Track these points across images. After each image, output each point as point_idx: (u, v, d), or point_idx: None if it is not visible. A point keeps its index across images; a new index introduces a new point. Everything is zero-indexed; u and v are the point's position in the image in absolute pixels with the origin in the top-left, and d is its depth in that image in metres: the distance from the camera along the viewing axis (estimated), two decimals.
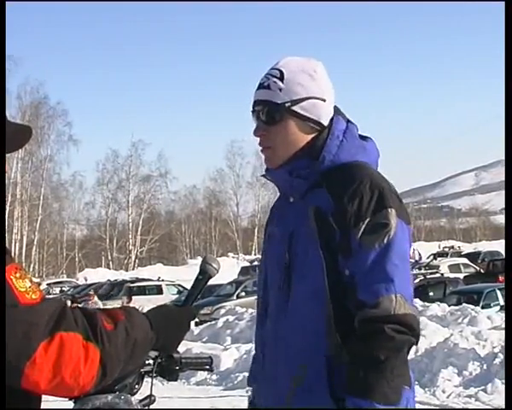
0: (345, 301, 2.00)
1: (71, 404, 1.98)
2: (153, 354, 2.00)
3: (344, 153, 2.12)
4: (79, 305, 15.30)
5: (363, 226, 1.99)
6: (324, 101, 2.13)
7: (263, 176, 2.27)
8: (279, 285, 2.13)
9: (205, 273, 2.11)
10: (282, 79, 2.11)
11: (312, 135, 2.13)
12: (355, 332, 1.96)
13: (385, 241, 1.98)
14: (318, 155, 2.11)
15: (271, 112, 2.11)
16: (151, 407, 2.09)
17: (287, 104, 2.10)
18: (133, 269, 56.41)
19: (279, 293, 2.13)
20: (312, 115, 2.12)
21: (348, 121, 2.19)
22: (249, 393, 2.45)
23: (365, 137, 2.22)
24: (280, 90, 2.10)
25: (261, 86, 2.14)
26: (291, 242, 2.11)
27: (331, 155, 2.11)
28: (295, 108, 2.10)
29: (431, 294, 18.98)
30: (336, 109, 2.20)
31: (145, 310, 1.87)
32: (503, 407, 8.16)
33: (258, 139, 2.17)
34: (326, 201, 2.05)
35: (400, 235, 2.01)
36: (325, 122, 2.14)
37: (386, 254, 1.97)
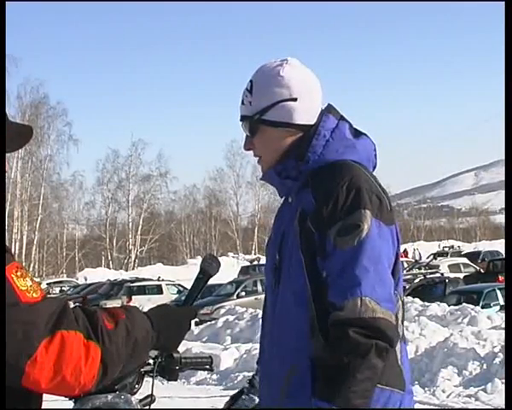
0: (325, 302, 2.00)
1: (71, 404, 1.98)
2: (153, 353, 2.00)
3: (330, 152, 2.11)
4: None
5: (337, 228, 1.98)
6: (295, 100, 2.12)
7: (261, 179, 2.30)
8: (271, 286, 2.15)
9: (205, 272, 2.11)
10: (251, 91, 2.16)
11: (294, 136, 2.14)
12: None
13: (355, 243, 1.96)
14: (304, 156, 2.11)
15: (249, 125, 2.16)
16: (151, 406, 2.09)
17: (256, 116, 2.14)
18: (133, 269, 56.36)
19: (272, 294, 2.15)
20: (284, 119, 2.12)
21: (341, 119, 2.17)
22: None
23: (360, 133, 2.19)
24: (250, 103, 2.15)
25: (241, 102, 2.19)
26: (281, 243, 2.12)
27: (316, 155, 2.11)
28: (265, 117, 2.13)
29: (431, 294, 18.95)
30: (328, 107, 2.19)
31: (145, 310, 1.87)
32: (503, 406, 8.17)
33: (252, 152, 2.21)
34: (309, 201, 2.06)
35: (375, 236, 1.97)
36: (304, 121, 2.13)
37: (355, 256, 1.95)
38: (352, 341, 1.88)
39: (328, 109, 2.18)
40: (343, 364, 1.87)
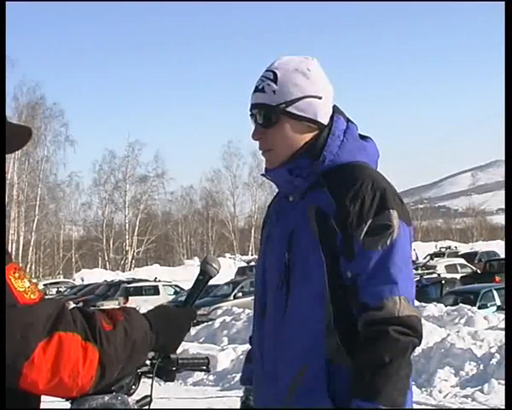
0: (345, 303, 2.00)
1: (68, 405, 1.98)
2: (150, 354, 2.00)
3: (345, 153, 2.11)
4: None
5: (366, 228, 1.98)
6: (320, 98, 2.12)
7: (263, 175, 2.25)
8: (278, 285, 2.12)
9: (205, 274, 2.10)
10: (275, 80, 2.11)
11: (311, 134, 2.12)
12: (356, 334, 1.96)
13: (388, 243, 1.97)
14: (319, 155, 2.10)
15: (267, 115, 2.11)
16: (148, 407, 2.09)
17: (281, 106, 2.09)
18: (130, 270, 56.31)
19: (278, 293, 2.12)
20: (308, 114, 2.11)
21: (348, 121, 2.18)
22: (241, 393, 2.45)
23: (365, 136, 2.21)
24: (274, 92, 2.10)
25: (256, 89, 2.14)
26: (291, 241, 2.09)
27: (332, 154, 2.10)
28: (290, 108, 2.09)
29: (428, 294, 18.97)
30: (336, 108, 2.19)
31: (142, 311, 1.86)
32: (500, 406, 8.17)
33: (258, 142, 2.16)
34: (327, 201, 2.04)
35: (403, 236, 2.00)
36: (323, 120, 2.13)
37: (389, 256, 1.96)
38: (393, 339, 1.90)
39: (337, 111, 2.18)
40: (385, 362, 1.88)
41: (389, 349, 1.89)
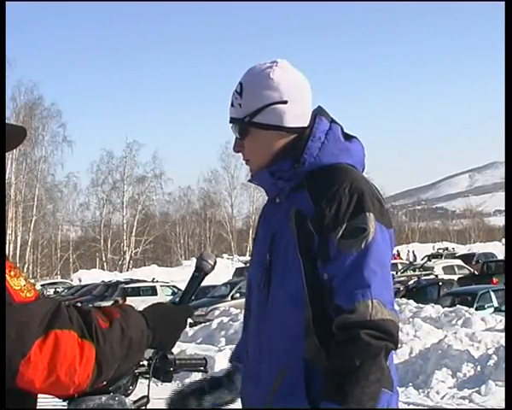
0: (324, 304, 2.00)
1: (65, 405, 1.97)
2: (148, 353, 2.00)
3: (326, 155, 2.11)
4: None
5: (341, 231, 1.98)
6: (285, 103, 2.11)
7: (249, 181, 2.28)
8: (259, 286, 2.14)
9: (201, 270, 2.09)
10: (241, 93, 2.14)
11: (286, 139, 2.13)
12: (333, 336, 1.96)
13: (362, 246, 1.96)
14: (300, 157, 2.10)
15: (239, 128, 2.15)
16: (145, 408, 2.09)
17: (246, 119, 2.12)
18: (127, 270, 56.27)
19: (259, 294, 2.14)
20: (274, 122, 2.11)
21: (332, 121, 2.17)
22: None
23: (351, 136, 2.20)
24: (240, 105, 2.14)
25: (231, 104, 2.18)
26: (273, 243, 2.11)
27: (312, 157, 2.10)
28: (255, 119, 2.11)
29: (425, 295, 18.98)
30: (319, 109, 2.19)
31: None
32: (496, 408, 8.17)
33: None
34: (306, 203, 2.05)
35: (379, 239, 1.99)
36: (293, 124, 2.12)
37: (363, 259, 1.95)
38: (363, 343, 1.89)
39: (320, 112, 2.18)
40: (355, 366, 1.88)
41: (359, 353, 1.88)
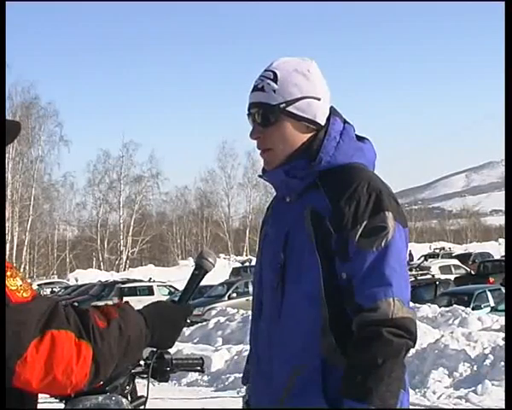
0: (341, 303, 2.00)
1: (62, 406, 1.97)
2: (145, 353, 1.99)
3: (341, 154, 2.12)
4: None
5: (361, 230, 1.99)
6: (319, 100, 2.13)
7: (260, 176, 2.26)
8: (273, 285, 2.12)
9: (201, 268, 2.07)
10: (275, 80, 2.11)
11: (309, 135, 2.13)
12: (352, 335, 1.96)
13: (382, 244, 1.98)
14: (315, 156, 2.10)
15: (266, 114, 2.11)
16: (142, 407, 2.08)
17: (281, 105, 2.09)
18: (124, 270, 56.25)
19: (273, 293, 2.12)
20: (308, 115, 2.11)
21: (345, 122, 2.19)
22: (243, 393, 2.45)
23: (362, 137, 2.21)
24: (274, 91, 2.10)
25: (255, 88, 2.14)
26: (286, 242, 2.10)
27: (328, 156, 2.11)
28: (290, 108, 2.10)
29: (422, 295, 19.00)
30: (333, 110, 2.19)
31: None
32: (493, 407, 8.17)
33: (256, 142, 2.16)
34: (323, 203, 2.05)
35: (398, 238, 2.01)
36: (321, 121, 2.14)
37: (383, 257, 1.97)
38: (386, 341, 1.90)
39: (334, 112, 2.19)
40: (378, 363, 1.89)
41: (382, 351, 1.90)
